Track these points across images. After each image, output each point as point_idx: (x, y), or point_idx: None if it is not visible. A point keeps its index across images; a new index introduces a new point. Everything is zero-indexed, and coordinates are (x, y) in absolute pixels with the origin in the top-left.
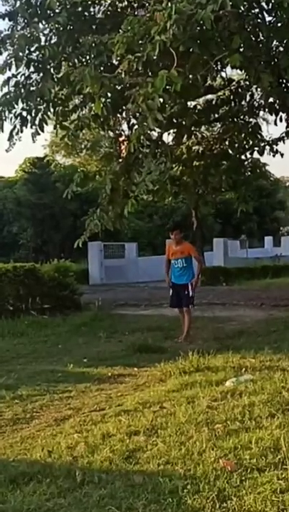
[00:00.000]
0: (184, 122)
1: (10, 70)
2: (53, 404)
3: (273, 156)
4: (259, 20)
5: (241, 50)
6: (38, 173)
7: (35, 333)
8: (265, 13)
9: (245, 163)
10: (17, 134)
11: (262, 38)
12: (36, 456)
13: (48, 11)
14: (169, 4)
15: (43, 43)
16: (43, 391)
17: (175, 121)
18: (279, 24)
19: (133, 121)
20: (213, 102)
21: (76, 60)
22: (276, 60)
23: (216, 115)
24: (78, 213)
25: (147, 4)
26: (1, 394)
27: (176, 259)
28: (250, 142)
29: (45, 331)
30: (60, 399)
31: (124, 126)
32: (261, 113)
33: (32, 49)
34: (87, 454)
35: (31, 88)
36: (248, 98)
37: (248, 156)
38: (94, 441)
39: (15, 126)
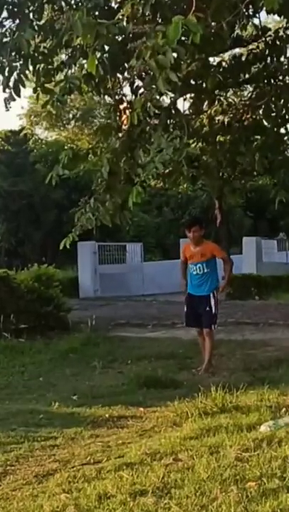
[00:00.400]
0: (204, 85)
1: None
2: (32, 455)
3: None
4: None
5: None
6: (11, 151)
7: (9, 361)
8: None
9: (285, 138)
10: None
11: None
12: None
13: None
14: None
15: None
16: (20, 438)
17: (193, 82)
18: None
19: (138, 82)
20: (243, 58)
21: (63, 3)
22: None
23: (247, 75)
24: (65, 204)
25: None
26: None
27: (195, 264)
28: None
29: (21, 359)
30: (42, 448)
31: (127, 90)
32: None
33: None
34: None
35: (4, 39)
36: (288, 53)
37: None
38: (87, 504)
39: None
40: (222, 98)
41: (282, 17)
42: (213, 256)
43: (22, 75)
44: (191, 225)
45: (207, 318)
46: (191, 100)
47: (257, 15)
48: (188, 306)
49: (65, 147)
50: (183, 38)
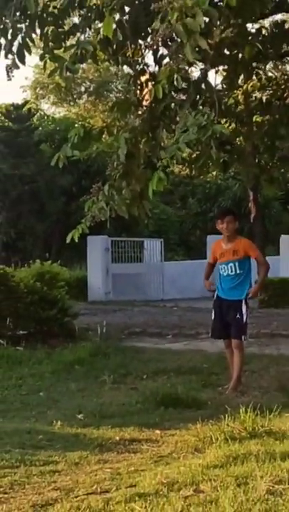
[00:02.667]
0: (240, 55)
1: None
2: (29, 482)
3: None
4: None
5: None
6: (13, 128)
7: (4, 372)
8: None
9: None
10: None
11: None
12: None
13: None
14: None
15: None
16: (16, 461)
17: (227, 52)
18: None
19: (163, 50)
20: (287, 26)
21: None
22: None
23: None
24: (74, 191)
25: None
26: None
27: (226, 263)
28: None
29: (19, 371)
30: (40, 474)
31: (149, 59)
32: None
33: None
34: None
35: None
36: None
37: None
38: None
39: None
40: (261, 72)
41: None
42: (247, 255)
43: (27, 39)
44: (224, 215)
45: (237, 327)
46: (225, 73)
47: None
48: (217, 313)
49: (76, 125)
50: (216, 0)
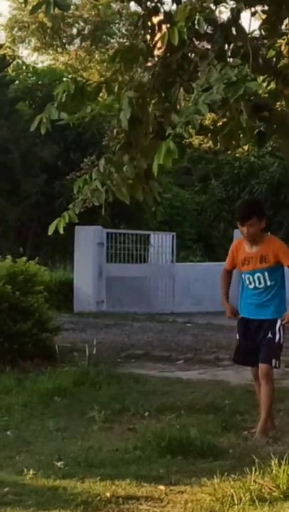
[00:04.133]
0: None
1: None
2: None
3: None
4: None
5: None
6: None
7: None
8: None
9: None
10: None
11: None
12: None
13: None
14: None
15: None
16: None
17: None
18: None
19: None
20: None
21: None
22: None
23: None
24: (59, 166)
25: None
26: None
27: (252, 273)
28: None
29: None
30: None
31: None
32: None
33: None
34: None
35: None
36: None
37: None
38: None
39: None
40: None
41: None
42: (279, 262)
43: None
44: (244, 218)
45: (268, 348)
46: (264, 15)
47: None
48: (241, 333)
49: (65, 78)
50: None
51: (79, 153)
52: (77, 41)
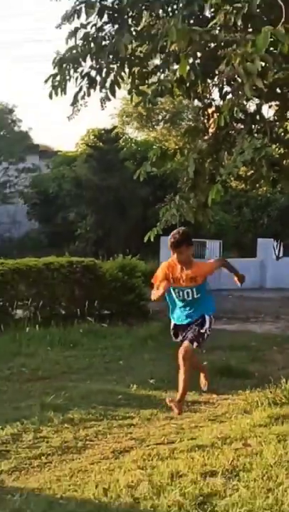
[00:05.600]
0: None
1: (78, 18)
2: (110, 433)
3: None
4: None
5: None
6: (103, 148)
7: (92, 344)
8: None
9: None
10: (82, 98)
11: None
12: (89, 493)
13: None
14: None
15: None
16: (99, 416)
17: (279, 91)
18: None
19: (226, 88)
20: None
21: (160, 10)
22: None
23: None
24: (150, 200)
25: None
26: (48, 416)
27: (182, 289)
28: None
29: (103, 343)
30: (119, 426)
31: (215, 95)
32: None
33: None
34: (151, 496)
35: (103, 42)
36: None
37: None
38: (160, 481)
39: (81, 88)
40: None
41: None
42: (206, 276)
43: (118, 77)
44: (176, 246)
45: (193, 332)
46: (276, 108)
47: None
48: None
49: (154, 146)
50: (271, 48)
51: (163, 192)
52: (161, 123)
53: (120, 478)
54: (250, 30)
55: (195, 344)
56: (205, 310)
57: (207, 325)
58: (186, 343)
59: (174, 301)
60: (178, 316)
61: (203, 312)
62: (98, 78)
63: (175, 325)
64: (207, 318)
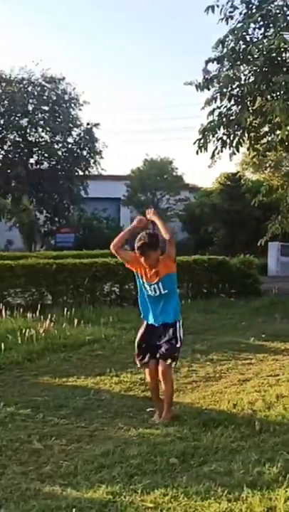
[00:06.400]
0: None
1: (215, 102)
2: (237, 368)
3: None
4: None
5: None
6: (230, 185)
7: (224, 311)
8: None
9: None
10: (218, 153)
11: None
12: (223, 407)
13: (248, 56)
14: None
15: (242, 82)
16: (229, 357)
17: None
18: None
19: None
20: None
21: (268, 96)
22: None
23: None
24: (261, 219)
25: None
26: (197, 357)
27: (150, 284)
28: None
29: (231, 311)
30: (242, 364)
31: None
32: None
33: (234, 86)
34: (264, 409)
35: (231, 118)
36: None
37: None
38: (270, 400)
39: (216, 148)
40: None
41: None
42: (173, 270)
43: (240, 140)
44: (142, 253)
45: (167, 346)
46: None
47: None
48: (145, 335)
49: (264, 184)
50: None
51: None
52: (268, 169)
53: (244, 397)
54: None
55: (169, 361)
56: (176, 315)
57: (180, 333)
58: (161, 362)
59: (145, 299)
60: (151, 316)
61: (176, 319)
62: (228, 141)
63: (148, 325)
64: (178, 326)
